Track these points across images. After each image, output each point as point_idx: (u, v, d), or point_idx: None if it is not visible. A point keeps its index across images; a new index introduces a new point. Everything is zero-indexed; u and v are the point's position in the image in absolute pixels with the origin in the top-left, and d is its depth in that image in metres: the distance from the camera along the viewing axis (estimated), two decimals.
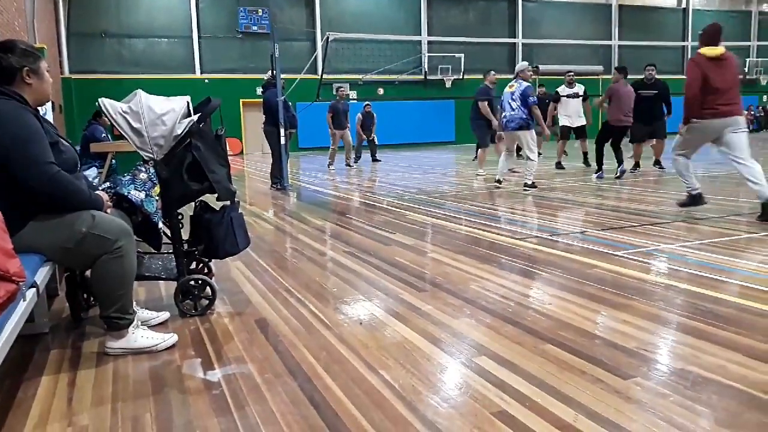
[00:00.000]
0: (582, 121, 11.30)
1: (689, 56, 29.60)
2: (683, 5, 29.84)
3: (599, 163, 9.44)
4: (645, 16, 29.01)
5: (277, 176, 9.32)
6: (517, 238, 4.83)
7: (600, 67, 27.36)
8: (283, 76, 9.39)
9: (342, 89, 13.78)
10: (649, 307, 2.96)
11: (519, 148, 9.26)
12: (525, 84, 8.15)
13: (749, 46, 29.30)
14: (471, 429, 1.82)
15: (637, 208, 6.21)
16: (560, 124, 11.53)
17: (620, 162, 9.32)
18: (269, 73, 9.63)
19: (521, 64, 8.59)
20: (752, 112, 28.82)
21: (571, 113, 11.27)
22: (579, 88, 11.30)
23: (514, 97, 8.12)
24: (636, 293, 3.19)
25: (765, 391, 2.00)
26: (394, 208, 6.81)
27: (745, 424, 1.79)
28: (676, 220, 5.43)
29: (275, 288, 3.53)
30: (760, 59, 29.83)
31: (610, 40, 28.48)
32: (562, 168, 11.15)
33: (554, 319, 2.82)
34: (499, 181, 8.55)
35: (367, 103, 15.33)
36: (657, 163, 10.55)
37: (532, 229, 5.31)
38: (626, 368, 2.23)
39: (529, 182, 8.11)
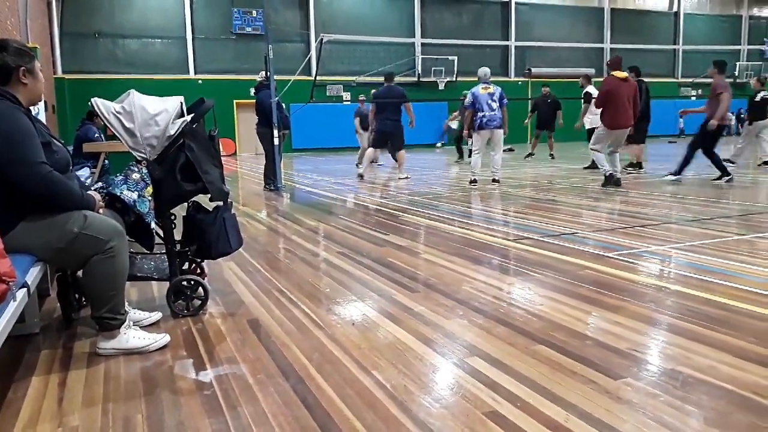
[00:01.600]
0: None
1: (680, 59, 29.86)
2: (674, 9, 30.02)
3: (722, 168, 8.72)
4: (636, 19, 29.17)
5: (271, 177, 9.31)
6: (509, 240, 4.84)
7: (592, 70, 27.47)
8: (276, 77, 9.39)
9: (362, 98, 14.26)
10: (641, 308, 2.97)
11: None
12: (499, 87, 9.13)
13: (739, 49, 29.51)
14: (462, 429, 1.83)
15: (627, 210, 6.24)
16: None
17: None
18: (262, 73, 9.62)
19: (487, 70, 9.34)
20: (742, 115, 29.01)
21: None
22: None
23: (494, 98, 8.90)
24: (627, 294, 3.21)
25: (755, 392, 2.01)
26: (387, 210, 6.81)
27: (735, 424, 1.81)
28: (666, 221, 5.46)
29: (268, 288, 3.53)
30: (749, 63, 30.05)
31: (602, 43, 28.61)
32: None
33: (546, 319, 2.83)
34: (474, 181, 9.05)
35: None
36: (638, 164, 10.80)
37: (524, 230, 5.33)
38: (617, 369, 2.24)
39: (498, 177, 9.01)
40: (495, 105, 8.87)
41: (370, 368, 2.31)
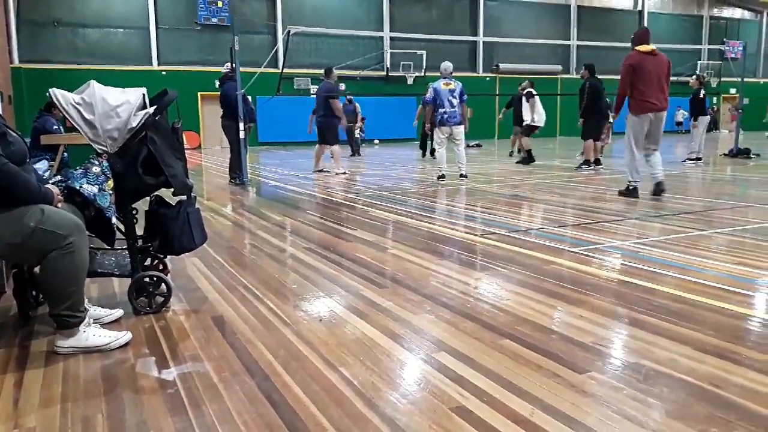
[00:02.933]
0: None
1: None
2: (639, 8, 30.59)
3: None
4: (602, 17, 29.63)
5: (236, 171, 9.19)
6: (476, 235, 4.87)
7: (558, 67, 27.86)
8: (243, 69, 9.26)
9: (348, 95, 14.05)
10: (605, 302, 3.02)
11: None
12: (460, 83, 9.13)
13: (701, 49, 30.24)
14: (430, 425, 1.83)
15: (592, 206, 6.34)
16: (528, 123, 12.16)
17: None
18: (227, 65, 9.48)
19: (449, 65, 9.38)
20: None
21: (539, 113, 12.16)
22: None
23: (454, 94, 8.94)
24: (592, 289, 3.25)
25: (713, 384, 2.06)
26: (355, 205, 6.79)
27: (695, 415, 1.85)
28: (630, 217, 5.57)
29: (233, 285, 3.48)
30: (710, 62, 30.82)
31: (569, 40, 29.00)
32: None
33: (512, 314, 2.86)
34: (443, 176, 9.11)
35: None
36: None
37: (491, 225, 5.37)
38: (582, 363, 2.27)
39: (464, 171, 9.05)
40: (455, 101, 8.94)
41: (337, 364, 2.29)
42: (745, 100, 15.04)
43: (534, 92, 12.20)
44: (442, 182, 8.87)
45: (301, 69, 22.95)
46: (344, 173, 10.51)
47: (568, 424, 1.80)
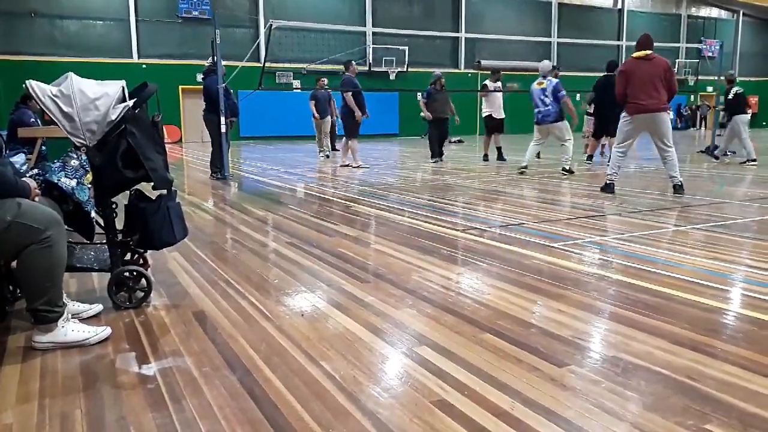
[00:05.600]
0: (502, 114, 12.08)
1: (624, 55, 30.76)
2: (619, 6, 30.86)
3: None
4: (583, 15, 29.86)
5: (218, 165, 9.13)
6: (458, 230, 4.89)
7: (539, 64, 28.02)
8: (224, 63, 9.19)
9: (322, 79, 13.72)
10: (583, 296, 3.06)
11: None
12: (555, 80, 9.22)
13: (678, 47, 30.63)
14: (411, 418, 1.84)
15: (572, 202, 6.40)
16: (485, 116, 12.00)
17: None
18: (210, 59, 9.40)
19: (548, 64, 9.57)
20: (682, 112, 30.24)
21: (496, 107, 12.02)
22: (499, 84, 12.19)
23: (546, 93, 9.11)
24: (571, 283, 3.29)
25: (688, 376, 2.10)
26: (338, 200, 6.78)
27: (671, 407, 1.88)
28: (608, 213, 5.63)
29: (214, 279, 3.46)
30: (688, 60, 31.23)
31: (550, 37, 29.18)
32: (487, 160, 11.79)
33: (492, 308, 2.88)
34: (525, 167, 9.47)
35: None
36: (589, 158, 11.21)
37: (472, 220, 5.40)
38: (561, 356, 2.30)
39: (567, 167, 9.16)
40: (548, 100, 9.12)
41: (319, 359, 2.29)
42: (722, 98, 15.26)
43: (492, 85, 12.04)
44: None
45: (284, 63, 22.83)
46: (361, 166, 10.67)
47: (547, 417, 1.83)
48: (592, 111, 12.23)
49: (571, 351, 2.35)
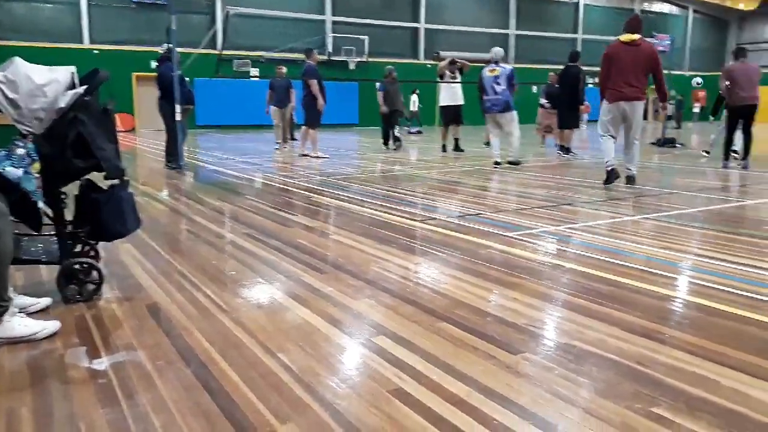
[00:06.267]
0: (460, 101, 11.91)
1: (580, 48, 31.37)
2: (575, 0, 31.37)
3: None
4: (540, 7, 30.25)
5: (173, 154, 8.94)
6: (416, 220, 4.92)
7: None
8: (180, 50, 8.98)
9: (281, 67, 13.26)
10: (538, 285, 3.11)
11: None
12: (509, 67, 9.01)
13: None
14: (368, 408, 1.84)
15: (528, 192, 6.51)
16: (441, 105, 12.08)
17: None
18: (165, 46, 9.17)
19: (500, 50, 9.30)
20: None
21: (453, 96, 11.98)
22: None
23: (498, 80, 8.86)
24: (526, 272, 3.34)
25: (638, 362, 2.16)
26: (297, 190, 6.73)
27: (621, 393, 1.93)
28: (563, 203, 5.74)
29: (168, 272, 3.39)
30: None
31: (508, 29, 29.48)
32: (445, 151, 11.75)
33: (450, 297, 2.91)
34: (498, 163, 9.09)
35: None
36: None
37: (430, 211, 5.43)
38: (516, 344, 2.34)
39: (513, 159, 9.06)
40: (500, 88, 8.88)
41: (276, 351, 2.27)
42: (672, 92, 15.72)
43: (448, 73, 12.00)
44: (496, 168, 8.87)
45: (241, 51, 22.47)
46: (320, 156, 10.58)
47: (502, 404, 1.86)
48: (545, 103, 12.50)
49: (525, 339, 2.40)
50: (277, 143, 12.95)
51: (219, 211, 5.39)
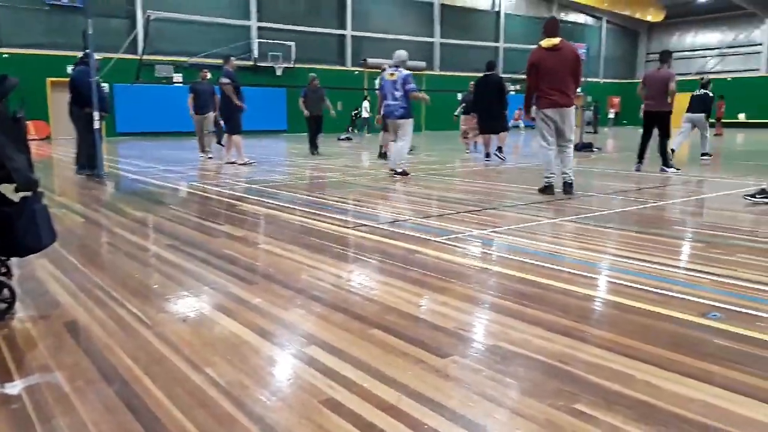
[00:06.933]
0: None
1: (501, 56, 32.31)
2: (496, 9, 32.33)
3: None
4: (464, 16, 31.00)
5: (85, 162, 8.55)
6: (347, 227, 4.92)
7: (423, 63, 28.77)
8: (98, 55, 8.63)
9: (204, 71, 12.85)
10: (466, 289, 3.18)
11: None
12: (406, 72, 8.48)
13: None
14: (299, 419, 1.83)
15: (456, 197, 6.64)
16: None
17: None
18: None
19: (403, 53, 8.78)
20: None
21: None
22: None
23: (397, 86, 8.39)
24: (454, 276, 3.41)
25: (561, 361, 2.25)
26: (223, 198, 6.59)
27: (545, 391, 2.01)
28: (488, 208, 5.89)
29: (87, 287, 3.24)
30: None
31: (433, 37, 30.01)
32: (384, 158, 11.79)
33: (380, 304, 2.93)
34: (396, 171, 8.60)
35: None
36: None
37: (361, 217, 5.45)
38: (445, 347, 2.38)
39: (399, 170, 8.61)
40: (398, 93, 8.47)
41: (203, 365, 2.22)
42: (589, 98, 16.46)
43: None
44: (396, 178, 8.48)
45: (164, 56, 21.83)
46: (247, 163, 10.46)
47: (432, 408, 1.89)
48: (458, 113, 13.06)
49: (454, 342, 2.44)
50: (206, 150, 12.54)
51: (141, 222, 5.21)
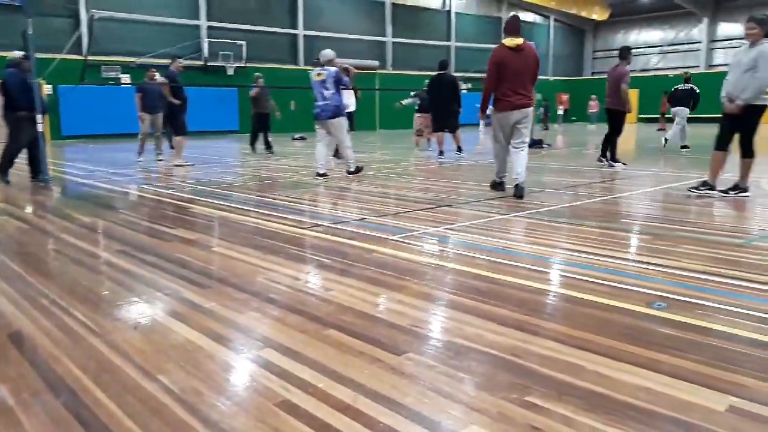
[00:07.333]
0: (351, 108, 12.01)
1: (453, 55, 32.62)
2: (447, 8, 32.62)
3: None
4: (415, 15, 31.17)
5: (7, 166, 8.23)
6: (303, 228, 4.89)
7: (376, 62, 28.82)
8: (40, 55, 8.33)
9: (152, 70, 12.40)
10: (421, 286, 3.21)
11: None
12: (333, 69, 8.26)
13: None
14: (254, 423, 1.81)
15: (410, 196, 6.68)
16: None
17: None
18: (16, 52, 8.47)
19: (329, 52, 8.54)
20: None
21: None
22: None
23: (326, 85, 8.09)
24: (409, 274, 3.44)
25: (513, 354, 2.29)
26: (175, 201, 6.46)
27: (498, 384, 2.04)
28: (441, 205, 5.95)
29: (32, 296, 3.13)
30: None
31: (385, 36, 30.08)
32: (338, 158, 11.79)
33: (336, 304, 2.92)
34: (323, 174, 8.30)
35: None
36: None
37: (316, 217, 5.43)
38: (401, 345, 2.39)
39: (352, 168, 8.43)
40: (329, 93, 8.18)
41: (156, 373, 2.17)
42: (539, 96, 16.79)
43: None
44: (318, 180, 8.23)
45: (110, 57, 21.25)
46: (182, 165, 10.32)
47: (388, 406, 1.90)
48: (406, 103, 13.55)
49: (409, 339, 2.46)
50: (158, 153, 12.07)
51: (89, 228, 5.06)
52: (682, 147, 12.55)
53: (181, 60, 10.85)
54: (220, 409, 1.91)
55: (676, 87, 13.36)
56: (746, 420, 1.79)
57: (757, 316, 2.66)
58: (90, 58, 16.26)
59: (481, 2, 34.09)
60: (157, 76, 12.33)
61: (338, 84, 8.14)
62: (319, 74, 8.21)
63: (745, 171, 6.23)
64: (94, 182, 8.40)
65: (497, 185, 6.85)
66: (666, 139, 13.03)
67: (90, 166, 10.90)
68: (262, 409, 1.90)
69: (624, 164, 9.51)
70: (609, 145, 9.62)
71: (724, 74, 6.46)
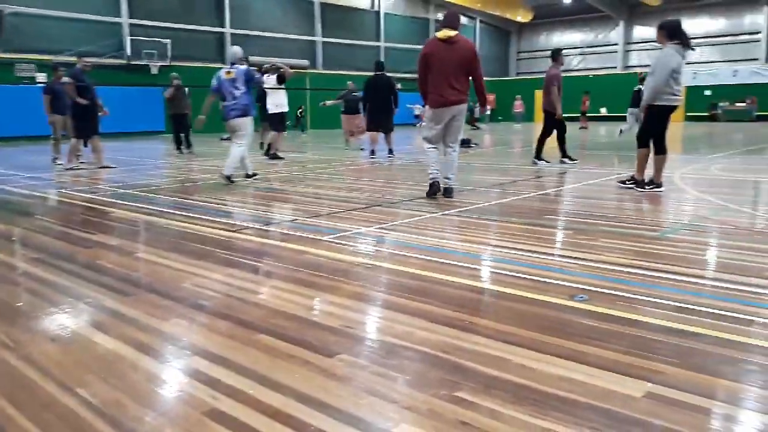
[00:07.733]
0: (284, 109, 11.96)
1: (382, 55, 32.84)
2: (376, 8, 32.80)
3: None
4: (345, 15, 31.18)
5: None
6: (231, 231, 4.79)
7: (306, 62, 28.63)
8: None
9: (61, 70, 11.65)
10: (353, 286, 3.21)
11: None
12: (244, 67, 8.01)
13: None
14: None
15: (341, 195, 6.67)
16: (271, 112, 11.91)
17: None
18: None
19: (237, 50, 8.22)
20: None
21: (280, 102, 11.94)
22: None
23: (236, 84, 7.74)
24: (341, 275, 3.43)
25: (443, 350, 2.32)
26: (95, 205, 6.19)
27: (428, 381, 2.07)
28: (373, 205, 5.98)
29: None
30: None
31: (314, 36, 29.92)
32: (281, 158, 11.59)
33: (266, 308, 2.88)
34: (228, 177, 7.82)
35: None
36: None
37: (245, 220, 5.34)
38: (332, 346, 2.39)
39: (226, 173, 7.86)
40: (238, 92, 7.78)
41: (75, 386, 2.08)
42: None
43: (267, 80, 11.83)
44: (247, 181, 7.92)
45: (24, 54, 20.17)
46: (72, 168, 9.97)
47: (319, 409, 1.89)
48: (329, 104, 13.82)
49: (341, 340, 2.46)
50: (55, 158, 11.43)
51: (3, 236, 4.77)
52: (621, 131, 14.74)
53: (88, 59, 10.42)
54: (144, 420, 1.85)
55: (636, 88, 14.61)
56: (662, 405, 1.89)
57: (672, 306, 2.81)
58: (1, 55, 15.36)
59: (409, 3, 34.47)
60: (64, 77, 11.70)
61: (249, 83, 7.87)
62: (228, 72, 7.83)
63: (659, 167, 6.58)
64: (8, 187, 7.94)
65: (431, 186, 6.36)
66: (621, 130, 14.89)
67: (3, 170, 10.30)
68: (189, 419, 1.85)
69: (548, 162, 9.85)
70: (541, 146, 9.92)
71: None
